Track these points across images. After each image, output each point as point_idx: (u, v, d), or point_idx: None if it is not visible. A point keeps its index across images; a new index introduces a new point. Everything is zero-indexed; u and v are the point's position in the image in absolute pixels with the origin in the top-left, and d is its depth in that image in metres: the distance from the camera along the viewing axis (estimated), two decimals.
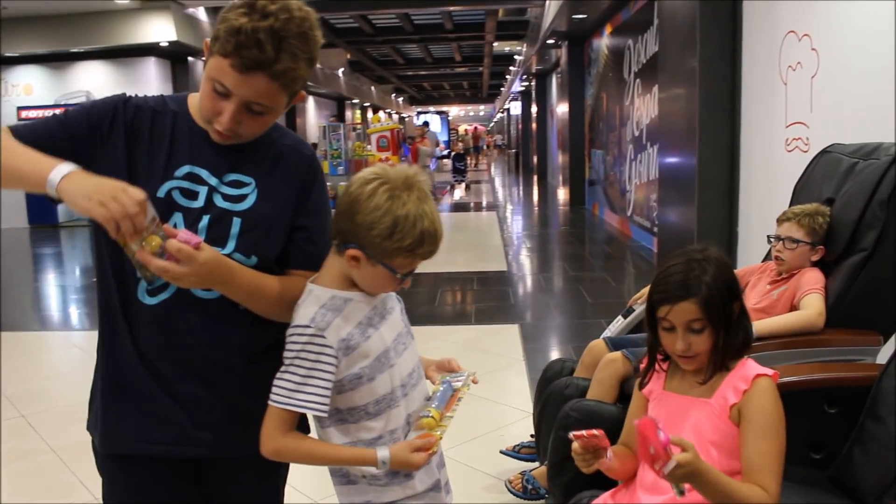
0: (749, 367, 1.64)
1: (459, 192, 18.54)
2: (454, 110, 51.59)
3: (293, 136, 1.65)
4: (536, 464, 2.95)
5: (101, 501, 1.63)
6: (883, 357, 2.46)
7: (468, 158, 22.62)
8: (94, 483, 3.09)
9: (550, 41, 13.86)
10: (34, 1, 11.03)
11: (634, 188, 9.66)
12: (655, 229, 8.31)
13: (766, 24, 5.05)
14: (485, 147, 36.30)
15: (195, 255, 1.36)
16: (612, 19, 10.79)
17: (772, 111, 4.98)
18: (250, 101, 1.42)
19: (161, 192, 1.47)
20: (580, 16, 11.07)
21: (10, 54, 12.79)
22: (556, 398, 2.78)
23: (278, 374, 1.45)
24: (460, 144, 32.34)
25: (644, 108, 8.87)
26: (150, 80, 13.46)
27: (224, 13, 1.40)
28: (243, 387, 1.54)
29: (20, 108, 13.54)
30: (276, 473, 1.69)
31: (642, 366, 1.83)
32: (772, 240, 2.72)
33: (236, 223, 1.50)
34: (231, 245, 1.50)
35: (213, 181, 1.51)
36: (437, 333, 5.49)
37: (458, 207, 15.41)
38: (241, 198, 1.52)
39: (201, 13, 13.20)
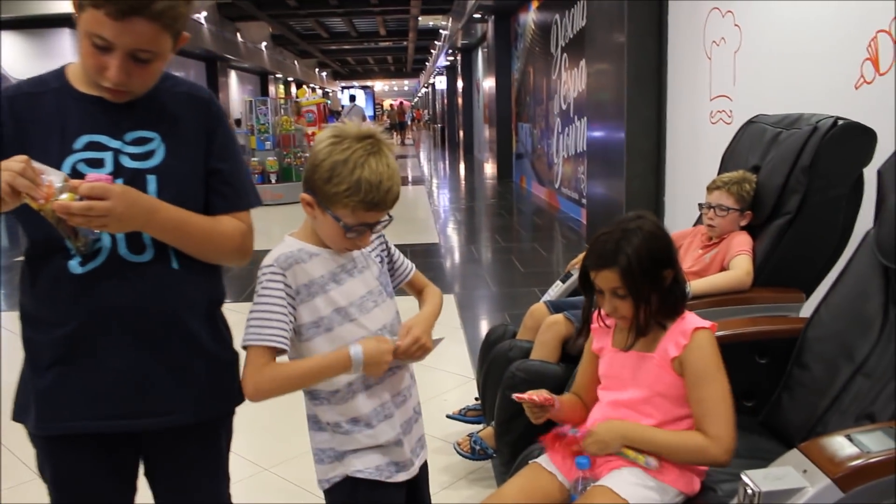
0: (688, 320, 1.75)
1: None
2: (379, 85, 51.26)
3: (187, 82, 1.62)
4: (483, 425, 3.05)
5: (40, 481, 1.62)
6: (806, 312, 2.64)
7: (394, 134, 22.51)
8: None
9: (477, 15, 13.91)
10: None
11: (562, 161, 9.84)
12: (584, 201, 8.50)
13: (691, 1, 5.22)
14: (409, 122, 36.06)
15: (111, 187, 1.34)
16: None
17: (696, 85, 5.17)
18: (135, 50, 1.37)
19: (65, 169, 1.42)
20: None
21: None
22: (500, 360, 2.89)
23: (249, 317, 1.52)
24: (386, 120, 32.14)
25: (571, 82, 9.03)
26: (65, 54, 12.98)
27: None
28: (182, 350, 1.53)
29: None
30: (219, 440, 1.68)
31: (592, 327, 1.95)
32: (703, 207, 2.86)
33: (151, 181, 1.47)
34: None
35: (115, 144, 1.47)
36: None
37: None
38: (149, 154, 1.49)
39: None
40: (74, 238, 1.38)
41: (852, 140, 2.59)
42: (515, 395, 1.80)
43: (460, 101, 21.97)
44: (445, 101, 28.97)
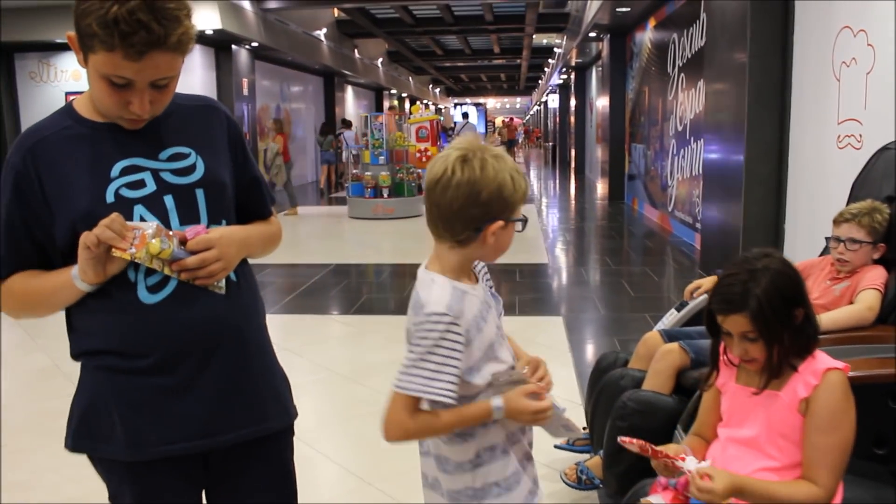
0: (820, 360, 1.67)
1: None
2: (490, 102, 51.51)
3: (193, 95, 1.63)
4: (590, 455, 2.99)
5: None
6: None
7: (513, 150, 22.53)
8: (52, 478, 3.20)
9: (592, 34, 13.80)
10: None
11: (676, 183, 9.61)
12: (698, 225, 8.27)
13: (819, 20, 5.02)
14: (519, 140, 35.89)
15: (210, 237, 1.44)
16: (656, 13, 10.72)
17: (823, 108, 4.96)
18: (156, 80, 1.39)
19: (109, 198, 1.45)
20: (624, 9, 11.02)
21: (60, 41, 13.03)
22: (610, 389, 2.82)
23: (410, 361, 1.43)
24: (497, 137, 32.24)
25: (688, 102, 8.82)
26: (195, 68, 13.62)
27: (81, 6, 1.33)
28: (253, 362, 1.57)
29: (68, 94, 13.79)
30: (283, 453, 1.70)
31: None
32: (830, 241, 2.72)
33: (200, 195, 1.51)
34: (204, 218, 1.52)
35: (151, 164, 1.49)
36: None
37: None
38: (191, 169, 1.51)
39: (245, 2, 13.35)
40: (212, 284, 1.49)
41: None
42: (621, 439, 1.72)
43: (572, 119, 21.81)
44: (557, 119, 28.85)
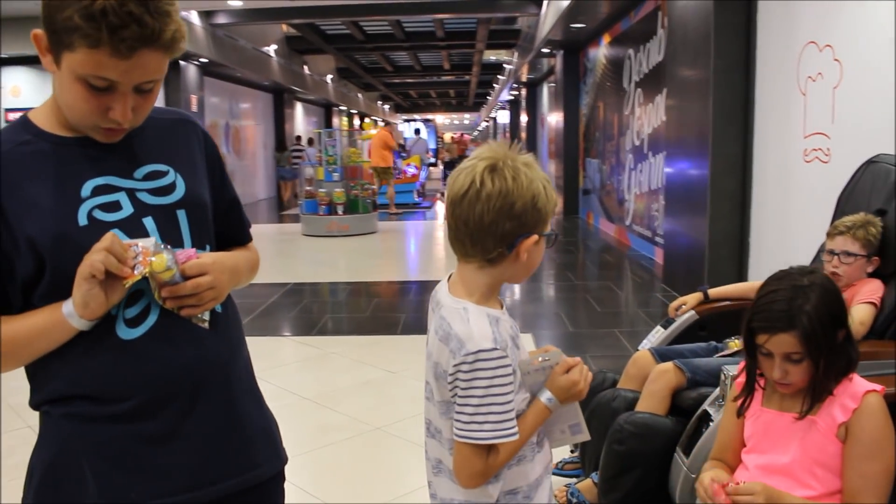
0: (857, 383, 1.60)
1: None
2: (439, 118, 51.61)
3: (167, 108, 1.48)
4: (578, 478, 2.89)
5: None
6: None
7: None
8: None
9: (545, 50, 13.87)
10: (25, 1, 10.87)
11: (634, 197, 9.65)
12: (658, 239, 8.30)
13: (783, 35, 5.06)
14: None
15: (206, 263, 1.30)
16: (611, 29, 10.80)
17: (788, 122, 4.99)
18: (141, 83, 1.24)
19: (83, 220, 1.26)
20: (578, 25, 11.07)
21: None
22: (602, 411, 2.74)
23: (472, 408, 1.31)
24: (446, 154, 32.24)
25: (646, 117, 8.87)
26: None
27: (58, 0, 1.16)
28: (231, 409, 1.39)
29: (7, 111, 13.34)
30: (278, 497, 1.55)
31: (737, 382, 1.78)
32: (824, 255, 2.68)
33: (181, 216, 1.36)
34: (188, 242, 1.36)
35: (126, 183, 1.32)
36: None
37: None
38: (170, 188, 1.36)
39: (194, 17, 13.10)
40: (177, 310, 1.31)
41: None
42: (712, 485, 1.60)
43: (524, 135, 21.91)
44: (507, 134, 28.98)
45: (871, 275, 2.58)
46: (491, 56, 23.35)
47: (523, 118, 22.10)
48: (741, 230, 5.79)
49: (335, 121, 28.35)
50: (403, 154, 18.59)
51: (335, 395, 4.37)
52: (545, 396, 1.41)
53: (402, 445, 3.57)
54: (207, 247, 1.41)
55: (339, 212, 11.67)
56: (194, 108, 14.60)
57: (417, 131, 21.68)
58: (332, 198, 11.70)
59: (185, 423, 1.32)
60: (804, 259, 3.08)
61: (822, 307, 1.56)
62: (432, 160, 21.51)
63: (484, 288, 1.39)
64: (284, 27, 18.48)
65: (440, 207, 16.29)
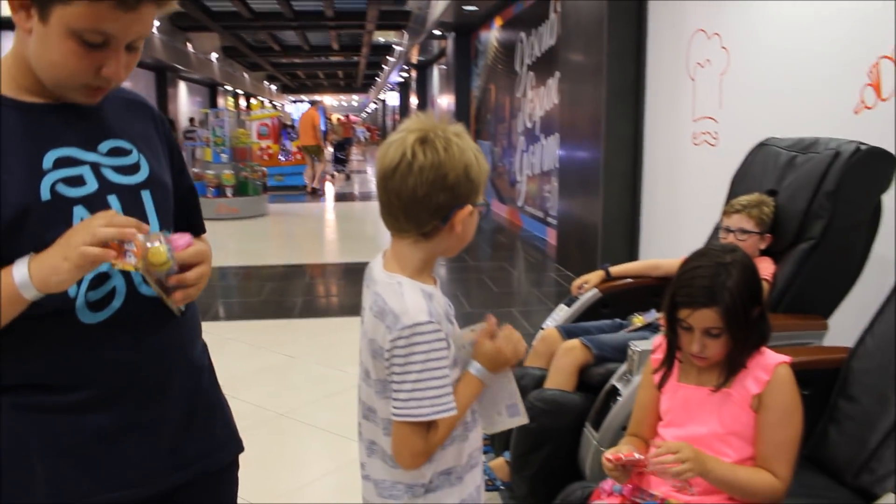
0: (767, 355, 1.67)
1: (341, 182, 18.27)
2: (328, 100, 50.99)
3: (121, 87, 1.37)
4: (489, 455, 2.92)
5: None
6: (828, 341, 2.59)
7: (349, 148, 22.30)
8: None
9: (436, 32, 13.88)
10: None
11: (526, 179, 9.80)
12: (550, 220, 8.47)
13: (674, 22, 5.23)
14: (363, 139, 35.52)
15: (203, 250, 1.26)
16: (503, 12, 10.90)
17: (678, 106, 5.17)
18: (135, 39, 1.19)
19: (45, 194, 1.18)
20: (471, 7, 11.13)
21: None
22: None
23: (410, 385, 1.30)
24: (333, 136, 31.93)
25: (538, 100, 9.01)
26: None
27: None
28: (195, 398, 1.36)
29: None
30: (234, 486, 1.53)
31: (655, 344, 1.83)
32: (721, 231, 2.80)
33: (146, 197, 1.29)
34: (154, 224, 1.29)
35: (90, 157, 1.24)
36: (347, 325, 5.38)
37: (343, 197, 15.20)
38: (135, 167, 1.29)
39: None
40: (167, 296, 1.22)
41: (876, 165, 2.57)
42: (606, 457, 1.63)
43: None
44: (397, 116, 28.91)
45: (764, 252, 2.71)
46: (380, 37, 23.22)
47: (413, 100, 22.09)
48: (632, 210, 5.97)
49: (220, 101, 27.55)
50: (293, 136, 18.26)
51: (234, 383, 4.27)
52: (473, 367, 1.40)
53: (307, 431, 3.53)
54: (168, 231, 1.29)
55: (229, 194, 11.36)
56: None
57: None
58: (220, 180, 11.37)
59: (147, 412, 1.27)
60: (691, 236, 3.21)
61: (743, 284, 1.62)
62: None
63: (418, 263, 1.38)
64: None
65: (329, 189, 16.12)
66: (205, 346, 1.45)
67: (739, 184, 3.03)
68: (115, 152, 1.28)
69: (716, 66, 4.62)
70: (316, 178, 14.71)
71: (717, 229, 2.87)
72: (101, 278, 1.21)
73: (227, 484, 1.48)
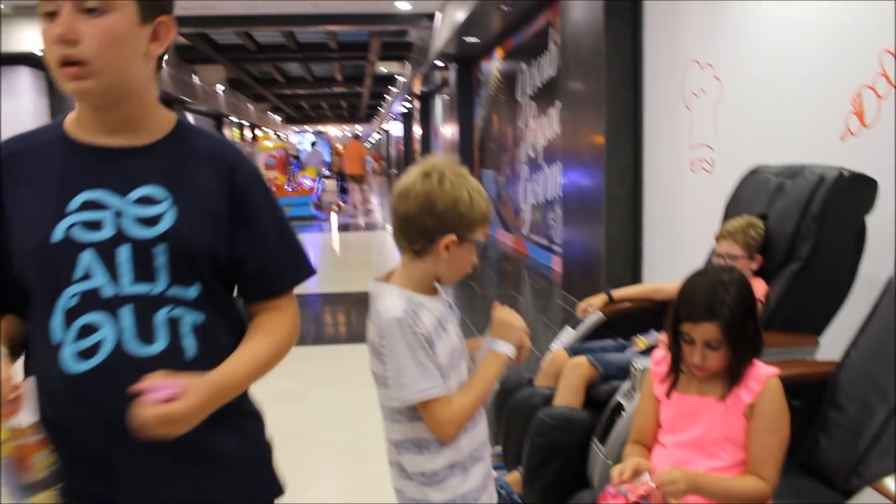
0: (759, 368, 1.84)
1: (346, 212, 18.47)
2: (332, 130, 51.40)
3: (213, 136, 1.39)
4: (504, 470, 3.06)
5: None
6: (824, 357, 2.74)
7: (363, 187, 22.53)
8: None
9: (438, 63, 14.13)
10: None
11: (531, 207, 9.97)
12: (555, 247, 8.62)
13: (668, 53, 5.43)
14: (371, 170, 35.68)
15: (171, 413, 1.15)
16: (504, 43, 11.14)
17: (675, 134, 5.35)
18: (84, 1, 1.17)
19: (57, 236, 1.21)
20: (472, 39, 11.38)
21: None
22: (521, 407, 2.92)
23: (391, 372, 1.55)
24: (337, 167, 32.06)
25: (540, 129, 9.21)
26: (24, 92, 12.83)
27: None
28: (190, 451, 1.29)
29: None
30: None
31: (654, 359, 1.99)
32: (714, 258, 2.95)
33: (160, 252, 1.24)
34: (163, 280, 1.25)
35: (115, 202, 1.24)
36: (355, 352, 5.51)
37: (348, 227, 15.39)
38: (155, 219, 1.25)
39: None
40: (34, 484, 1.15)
41: (858, 189, 2.74)
42: (611, 488, 1.74)
43: (418, 146, 22.17)
44: (401, 146, 29.18)
45: (757, 272, 2.87)
46: (383, 68, 23.55)
47: (417, 130, 22.36)
48: (634, 236, 6.13)
49: (226, 132, 27.87)
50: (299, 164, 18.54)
51: None
52: (492, 343, 1.66)
53: (323, 452, 3.67)
54: (197, 285, 1.29)
55: None
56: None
57: (314, 143, 21.63)
58: None
59: (129, 476, 1.25)
60: (691, 260, 3.37)
61: (740, 300, 1.80)
62: (327, 172, 21.39)
63: (415, 278, 1.63)
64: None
65: (335, 220, 16.31)
66: (235, 408, 1.34)
67: (732, 209, 3.20)
68: (143, 200, 1.26)
69: (710, 96, 4.81)
70: (361, 203, 16.72)
71: (711, 255, 3.03)
72: (90, 329, 1.23)
73: None
